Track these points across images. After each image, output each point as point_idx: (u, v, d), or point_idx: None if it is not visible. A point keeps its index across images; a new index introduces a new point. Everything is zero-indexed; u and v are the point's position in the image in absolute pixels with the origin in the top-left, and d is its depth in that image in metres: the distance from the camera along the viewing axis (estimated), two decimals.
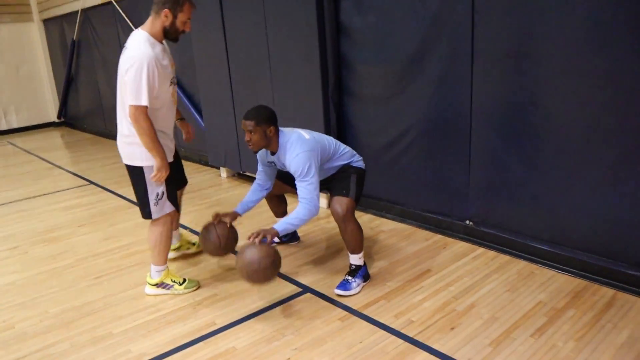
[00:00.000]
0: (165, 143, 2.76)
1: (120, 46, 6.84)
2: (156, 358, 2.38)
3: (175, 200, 2.91)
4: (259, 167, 3.11)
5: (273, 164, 3.02)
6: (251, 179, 5.16)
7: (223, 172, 5.44)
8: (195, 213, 4.36)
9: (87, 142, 8.13)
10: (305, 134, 2.88)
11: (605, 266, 2.83)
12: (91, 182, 5.56)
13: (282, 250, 3.47)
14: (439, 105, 3.40)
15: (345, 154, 3.03)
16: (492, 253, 3.29)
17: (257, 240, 2.55)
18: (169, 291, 2.98)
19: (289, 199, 3.52)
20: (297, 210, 2.69)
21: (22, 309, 2.92)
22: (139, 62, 2.51)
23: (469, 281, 2.95)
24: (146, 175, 2.74)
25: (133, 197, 4.77)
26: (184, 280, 3.01)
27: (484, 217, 3.38)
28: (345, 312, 2.68)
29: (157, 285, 2.98)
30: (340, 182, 2.94)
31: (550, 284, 2.87)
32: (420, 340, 2.41)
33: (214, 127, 5.20)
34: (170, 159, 2.81)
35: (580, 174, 2.83)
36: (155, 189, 2.79)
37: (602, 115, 2.68)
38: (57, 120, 9.75)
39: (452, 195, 3.52)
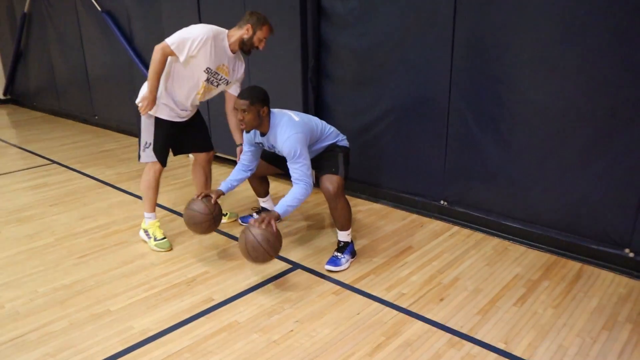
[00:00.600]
0: (171, 106, 3.10)
1: (78, 20, 6.58)
2: (160, 333, 2.41)
3: (161, 154, 3.22)
4: (245, 148, 3.13)
5: (261, 145, 3.07)
6: (222, 160, 5.15)
7: None
8: (171, 193, 4.34)
9: (39, 121, 7.76)
10: (294, 116, 2.95)
11: (573, 242, 3.09)
12: (53, 162, 5.36)
13: None
14: (418, 90, 3.55)
15: (331, 134, 3.12)
16: (466, 231, 3.51)
17: (262, 226, 2.62)
18: (147, 241, 3.32)
19: (270, 178, 3.59)
20: (293, 191, 2.77)
21: (8, 288, 2.85)
22: (199, 31, 2.93)
23: (449, 257, 3.14)
24: (142, 122, 3.14)
25: (101, 177, 4.78)
26: (162, 239, 3.26)
27: (458, 197, 3.59)
28: (338, 287, 2.81)
29: (144, 230, 3.36)
30: (328, 161, 3.03)
31: (523, 258, 3.11)
32: (414, 310, 2.57)
33: None
34: (172, 119, 3.14)
35: (553, 156, 3.06)
36: (145, 137, 3.16)
37: (574, 102, 2.90)
38: (2, 97, 9.23)
39: (427, 177, 3.70)
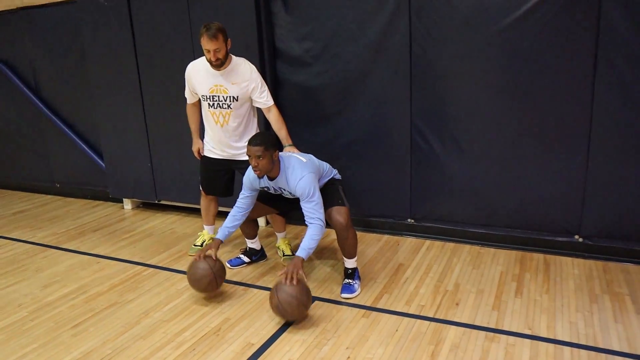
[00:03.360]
0: (207, 144, 3.59)
1: None
2: None
3: (203, 184, 3.74)
4: (245, 193, 3.18)
5: (266, 189, 3.14)
6: (162, 207, 4.96)
7: (127, 203, 5.11)
8: (131, 247, 4.08)
9: None
10: (301, 157, 3.09)
11: (532, 237, 3.62)
12: None
13: (255, 269, 3.57)
14: (380, 121, 3.88)
15: (328, 170, 3.30)
16: (438, 243, 3.88)
17: (294, 281, 2.72)
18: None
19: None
20: (310, 232, 2.90)
21: None
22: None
23: (439, 267, 3.47)
24: None
25: (37, 240, 4.38)
26: (200, 245, 3.88)
27: (424, 213, 3.96)
28: (363, 310, 2.96)
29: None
30: (332, 195, 3.17)
31: (497, 258, 3.56)
32: (441, 317, 2.83)
33: (118, 155, 4.86)
34: (209, 155, 3.60)
35: (508, 164, 3.58)
36: None
37: (522, 118, 3.46)
38: None
39: (394, 199, 4.02)
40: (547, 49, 3.28)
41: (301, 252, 2.84)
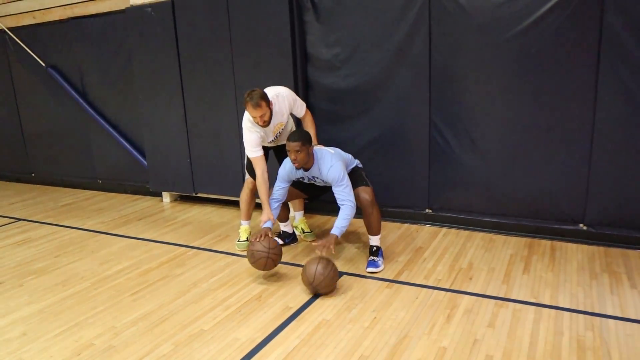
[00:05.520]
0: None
1: (11, 76, 6.40)
2: (267, 339, 2.73)
3: (251, 172, 3.88)
4: (281, 185, 3.62)
5: (301, 179, 3.57)
6: (198, 200, 5.39)
7: (166, 197, 5.55)
8: (173, 232, 4.52)
9: None
10: (330, 149, 3.54)
11: (540, 225, 3.97)
12: (19, 219, 5.17)
13: (289, 249, 3.96)
14: (402, 119, 4.27)
15: (352, 160, 3.71)
16: (454, 231, 4.24)
17: (325, 252, 3.17)
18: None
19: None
20: (343, 212, 3.33)
21: (82, 329, 2.93)
22: (246, 137, 3.69)
23: (454, 250, 3.83)
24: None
25: (88, 227, 4.79)
26: (245, 240, 4.05)
27: (441, 204, 4.33)
28: (386, 282, 3.34)
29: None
30: (357, 178, 3.60)
31: (508, 243, 3.91)
32: (456, 288, 3.20)
33: (159, 152, 5.32)
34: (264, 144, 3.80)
35: (518, 159, 3.94)
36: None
37: (532, 117, 3.82)
38: None
39: (413, 190, 4.40)
40: (553, 54, 3.65)
41: (335, 230, 3.25)
